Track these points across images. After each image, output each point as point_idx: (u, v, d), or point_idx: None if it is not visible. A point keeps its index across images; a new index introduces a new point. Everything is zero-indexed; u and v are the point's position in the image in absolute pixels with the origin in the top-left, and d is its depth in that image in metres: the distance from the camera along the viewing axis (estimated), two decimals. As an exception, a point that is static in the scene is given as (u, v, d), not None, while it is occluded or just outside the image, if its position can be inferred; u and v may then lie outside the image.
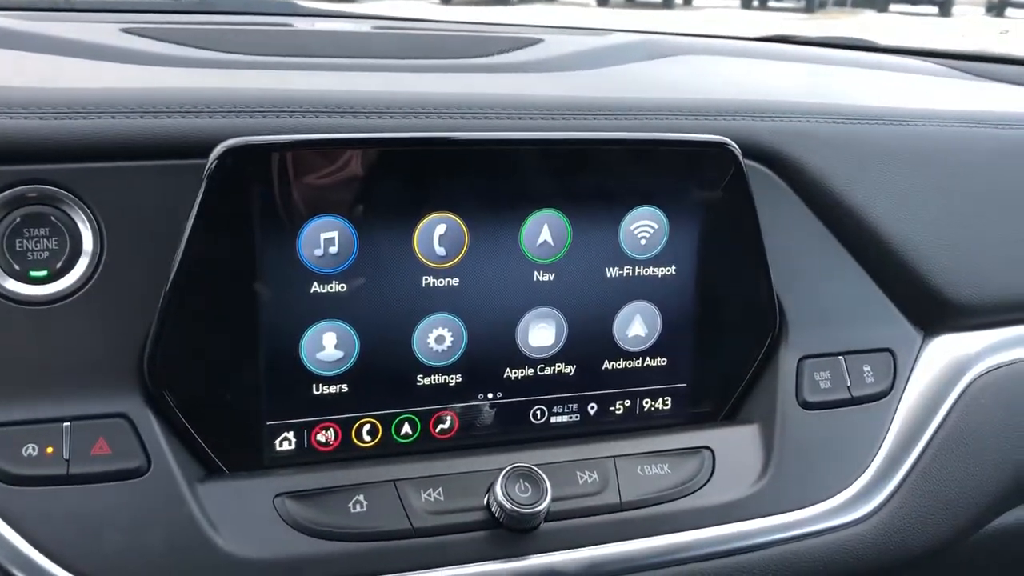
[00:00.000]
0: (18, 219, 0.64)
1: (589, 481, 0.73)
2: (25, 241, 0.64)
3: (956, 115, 0.91)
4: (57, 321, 0.64)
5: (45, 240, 0.64)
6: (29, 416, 0.62)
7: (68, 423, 0.63)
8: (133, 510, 0.62)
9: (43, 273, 0.64)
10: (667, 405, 0.80)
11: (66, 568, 0.60)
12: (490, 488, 0.69)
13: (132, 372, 0.65)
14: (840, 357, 0.82)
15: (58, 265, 0.64)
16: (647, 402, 0.79)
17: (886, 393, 0.82)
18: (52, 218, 0.64)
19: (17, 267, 0.63)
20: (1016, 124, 0.93)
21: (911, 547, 0.79)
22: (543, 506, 0.67)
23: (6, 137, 0.63)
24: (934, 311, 0.86)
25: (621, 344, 0.77)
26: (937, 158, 0.87)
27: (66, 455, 0.62)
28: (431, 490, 0.69)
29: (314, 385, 0.69)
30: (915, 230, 0.85)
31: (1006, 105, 1.04)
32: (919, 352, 0.86)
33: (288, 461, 0.70)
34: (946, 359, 0.86)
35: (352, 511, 0.67)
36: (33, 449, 0.61)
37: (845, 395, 0.81)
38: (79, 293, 0.64)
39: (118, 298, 0.65)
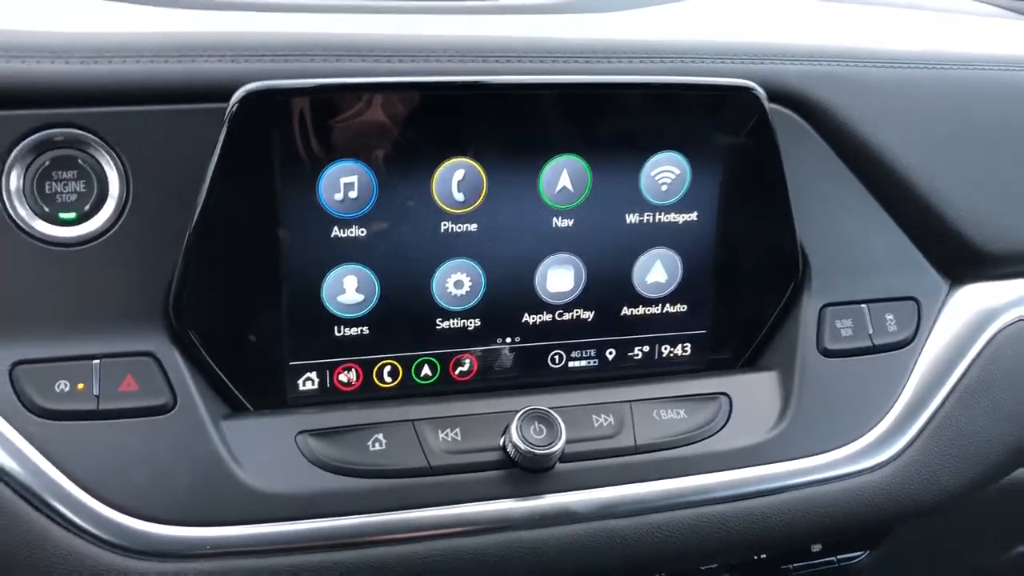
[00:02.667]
0: (47, 162, 0.65)
1: (605, 424, 0.74)
2: (54, 184, 0.66)
3: (992, 59, 0.88)
4: (85, 262, 0.66)
5: (73, 183, 0.66)
6: (60, 354, 0.65)
7: (97, 361, 0.65)
8: (160, 445, 0.65)
9: (71, 215, 0.66)
10: (686, 352, 0.80)
11: (97, 498, 0.63)
12: (506, 429, 0.70)
13: (158, 312, 0.67)
14: (863, 305, 0.82)
15: (86, 207, 0.66)
16: (666, 348, 0.80)
17: (909, 341, 0.82)
18: (80, 161, 0.66)
19: (47, 209, 0.65)
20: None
21: (928, 495, 0.80)
22: (557, 447, 0.69)
23: (35, 81, 0.64)
24: (962, 260, 0.85)
25: (640, 290, 0.77)
26: (970, 103, 0.85)
27: (96, 391, 0.64)
28: (449, 430, 0.71)
29: (336, 327, 0.71)
30: (945, 177, 0.83)
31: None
32: (945, 301, 0.85)
33: (310, 400, 0.72)
34: (972, 309, 0.85)
35: (371, 449, 0.69)
36: (65, 385, 0.64)
37: (867, 343, 0.81)
38: (106, 235, 0.66)
39: (144, 240, 0.67)
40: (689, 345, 0.80)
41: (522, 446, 0.69)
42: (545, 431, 0.70)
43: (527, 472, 0.70)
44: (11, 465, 0.62)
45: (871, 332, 0.81)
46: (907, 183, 0.82)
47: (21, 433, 0.63)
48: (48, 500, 0.62)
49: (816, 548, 0.89)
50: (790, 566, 0.90)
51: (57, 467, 0.63)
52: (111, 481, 0.63)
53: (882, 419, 0.79)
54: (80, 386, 0.64)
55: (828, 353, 0.80)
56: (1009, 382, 0.84)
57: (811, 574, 0.94)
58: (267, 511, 0.65)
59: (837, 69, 0.81)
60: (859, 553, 0.91)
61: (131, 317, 0.67)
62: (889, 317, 0.82)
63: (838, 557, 0.90)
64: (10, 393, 0.63)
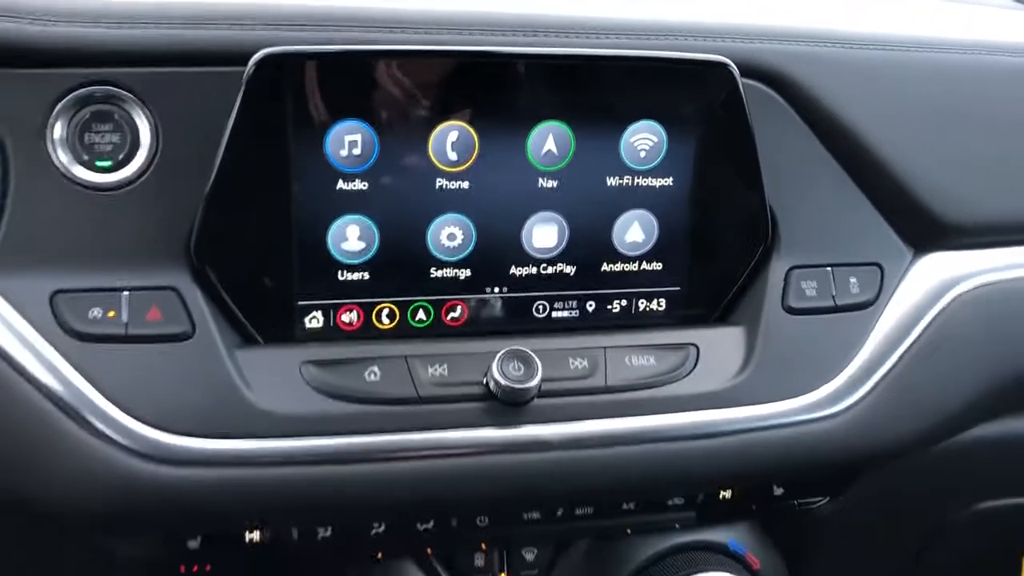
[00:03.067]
0: (87, 115, 0.74)
1: (579, 367, 0.82)
2: (93, 135, 0.74)
3: (966, 43, 0.93)
4: (119, 205, 0.75)
5: (109, 135, 0.74)
6: (94, 285, 0.73)
7: (126, 292, 0.74)
8: (179, 368, 0.73)
9: (107, 163, 0.74)
10: (661, 306, 0.87)
11: (124, 411, 0.71)
12: (488, 366, 0.78)
13: (181, 251, 0.76)
14: (828, 268, 0.88)
15: (120, 157, 0.74)
16: (642, 303, 0.87)
17: (870, 303, 0.88)
18: (115, 115, 0.74)
19: (86, 157, 0.74)
20: (1014, 52, 0.95)
21: (880, 445, 0.86)
22: (533, 383, 0.76)
23: (79, 43, 0.73)
24: (925, 230, 0.91)
25: (619, 248, 0.84)
26: (937, 83, 0.91)
27: (124, 319, 0.73)
28: (437, 366, 0.79)
29: (339, 272, 0.79)
30: (911, 153, 0.89)
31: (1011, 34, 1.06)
32: (908, 268, 0.91)
33: (316, 337, 0.81)
34: (933, 275, 0.91)
35: (367, 379, 0.77)
36: (98, 312, 0.73)
37: (829, 303, 0.87)
38: (138, 182, 0.75)
39: (171, 187, 0.75)
40: (664, 300, 0.87)
41: (502, 381, 0.76)
42: (523, 369, 0.77)
43: (506, 405, 0.78)
44: (51, 381, 0.70)
45: (834, 293, 0.87)
46: (876, 158, 0.88)
47: (60, 353, 0.71)
48: (82, 412, 0.71)
49: (778, 491, 0.96)
50: (753, 507, 0.97)
51: (90, 383, 0.71)
52: (136, 397, 0.72)
53: (840, 372, 0.85)
54: (111, 314, 0.73)
55: (792, 311, 0.86)
56: (963, 343, 0.90)
57: (775, 518, 1.02)
58: (272, 429, 0.73)
59: (814, 49, 0.88)
60: (820, 499, 0.98)
61: (157, 255, 0.75)
62: (852, 280, 0.88)
63: (799, 501, 0.97)
64: (50, 318, 0.72)
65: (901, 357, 0.87)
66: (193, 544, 0.82)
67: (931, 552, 1.09)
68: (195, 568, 0.83)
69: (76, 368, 0.71)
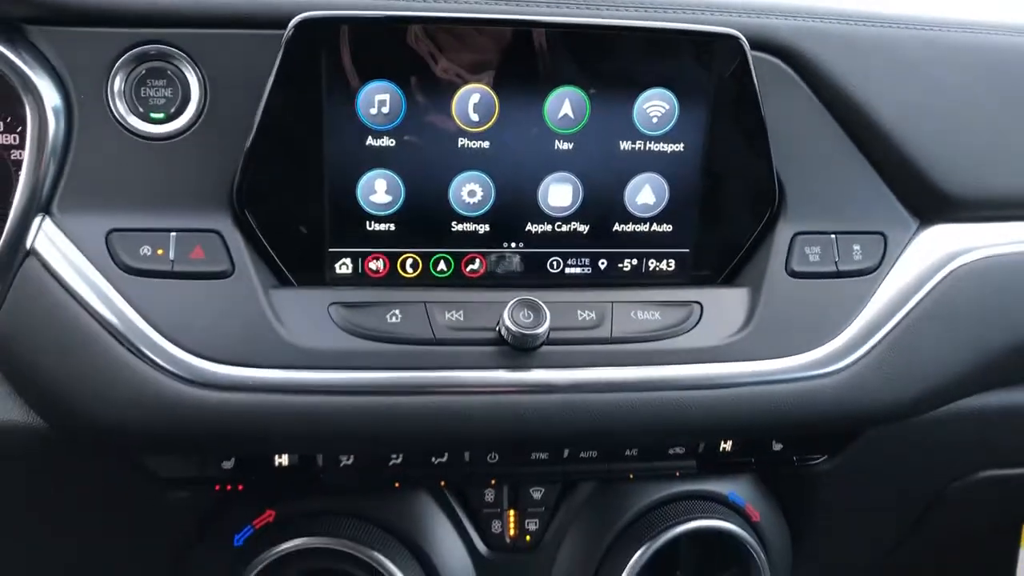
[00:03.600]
0: (143, 71, 0.81)
1: (587, 318, 0.87)
2: (147, 89, 0.82)
3: (962, 22, 0.96)
4: (169, 154, 0.82)
5: (163, 89, 0.82)
6: (145, 226, 0.81)
7: (174, 233, 0.81)
8: (219, 303, 0.81)
9: (160, 115, 0.82)
10: (670, 267, 0.92)
11: (169, 340, 0.79)
12: (501, 313, 0.83)
13: (225, 198, 0.83)
14: (832, 235, 0.92)
15: (172, 110, 0.82)
16: (652, 262, 0.92)
17: (872, 270, 0.92)
18: (168, 72, 0.81)
19: (141, 109, 0.81)
20: (1018, 32, 0.98)
21: (874, 406, 0.90)
22: (541, 330, 0.82)
23: (138, 6, 0.80)
24: (931, 202, 0.95)
25: (631, 209, 0.89)
26: (944, 60, 0.94)
27: (171, 256, 0.80)
28: (454, 312, 0.85)
29: (367, 222, 0.86)
30: (918, 126, 0.93)
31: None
32: (912, 238, 0.95)
33: (344, 282, 0.87)
34: (936, 247, 0.94)
35: (388, 321, 0.84)
36: (148, 250, 0.80)
37: (832, 268, 0.91)
38: (187, 133, 0.82)
39: (217, 138, 0.82)
40: (673, 261, 0.92)
41: (512, 327, 0.82)
42: (532, 316, 0.83)
43: (515, 350, 0.84)
44: (104, 310, 0.78)
45: (837, 259, 0.91)
46: (883, 131, 0.92)
47: (113, 286, 0.79)
48: (131, 339, 0.78)
49: (777, 447, 1.01)
50: (752, 460, 1.02)
51: (139, 314, 0.79)
52: (180, 327, 0.79)
53: (839, 334, 0.90)
54: (159, 252, 0.81)
55: (795, 274, 0.90)
56: (962, 313, 0.93)
57: (774, 474, 1.06)
58: (300, 361, 0.80)
59: (824, 25, 0.91)
60: (818, 457, 1.02)
61: (202, 201, 0.83)
62: (856, 247, 0.92)
63: (797, 458, 1.01)
64: (105, 254, 0.80)
65: (900, 322, 0.91)
66: (227, 465, 0.90)
67: (930, 518, 1.12)
68: (228, 487, 0.91)
69: (126, 299, 0.79)
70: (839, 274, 0.92)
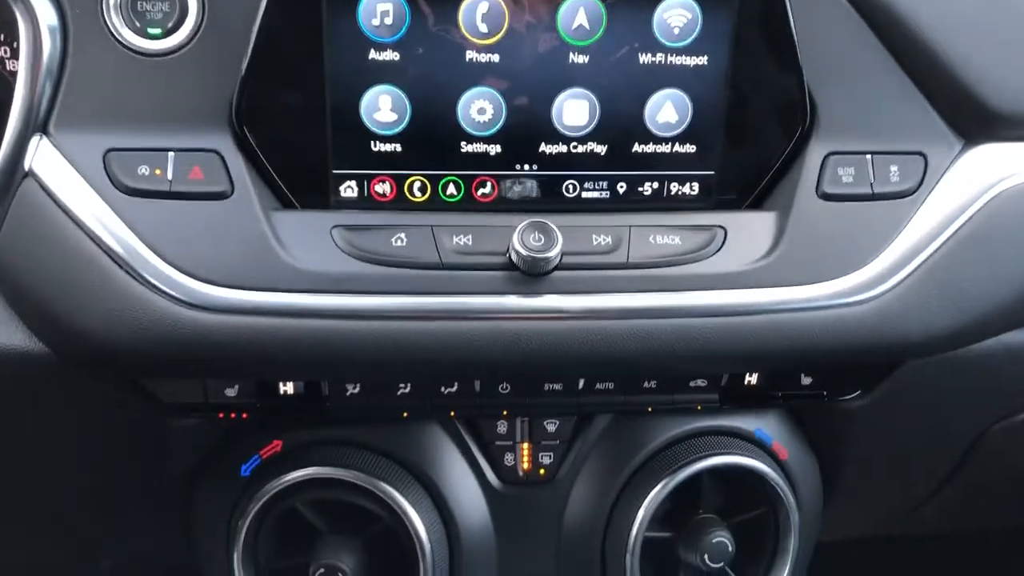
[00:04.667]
0: (139, -16, 0.78)
1: (603, 243, 0.83)
2: (144, 3, 0.79)
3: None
4: (167, 71, 0.79)
5: (159, 3, 0.79)
6: (143, 145, 0.79)
7: (172, 153, 0.79)
8: (218, 224, 0.78)
9: (157, 31, 0.79)
10: (693, 191, 0.88)
11: (166, 261, 0.77)
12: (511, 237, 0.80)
13: (224, 117, 0.80)
14: (868, 156, 0.86)
15: (169, 25, 0.79)
16: (674, 186, 0.87)
17: (910, 193, 0.86)
18: (165, -15, 0.78)
19: (137, 24, 0.78)
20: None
21: (912, 336, 0.85)
22: (552, 253, 0.79)
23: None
24: (976, 120, 0.88)
25: (651, 128, 0.85)
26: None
27: (169, 176, 0.78)
28: (462, 236, 0.82)
29: (372, 142, 0.82)
30: (963, 38, 0.86)
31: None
32: (955, 159, 0.88)
33: (349, 206, 0.84)
34: (980, 168, 0.88)
35: (393, 244, 0.81)
36: (146, 170, 0.78)
37: (866, 190, 0.86)
38: (184, 49, 0.79)
39: (215, 54, 0.79)
40: (696, 184, 0.87)
41: (522, 251, 0.79)
42: (543, 239, 0.79)
43: (525, 275, 0.80)
44: (100, 230, 0.76)
45: (872, 181, 0.86)
46: (926, 43, 0.86)
47: (110, 206, 0.77)
48: (127, 259, 0.76)
49: (806, 381, 0.96)
50: (779, 395, 0.97)
51: (135, 234, 0.77)
52: (177, 249, 0.77)
53: (873, 260, 0.84)
54: (157, 172, 0.78)
55: (826, 197, 0.85)
56: (1005, 239, 0.87)
57: (803, 411, 1.02)
58: (300, 284, 0.78)
59: (859, -73, 0.85)
60: (851, 393, 0.97)
61: (202, 119, 0.80)
62: (893, 169, 0.86)
63: (828, 393, 0.97)
64: (102, 173, 0.78)
65: (939, 248, 0.85)
66: (231, 392, 0.88)
67: (971, 462, 1.07)
68: (232, 415, 0.90)
69: (124, 220, 0.77)
70: (874, 197, 0.86)
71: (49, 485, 0.98)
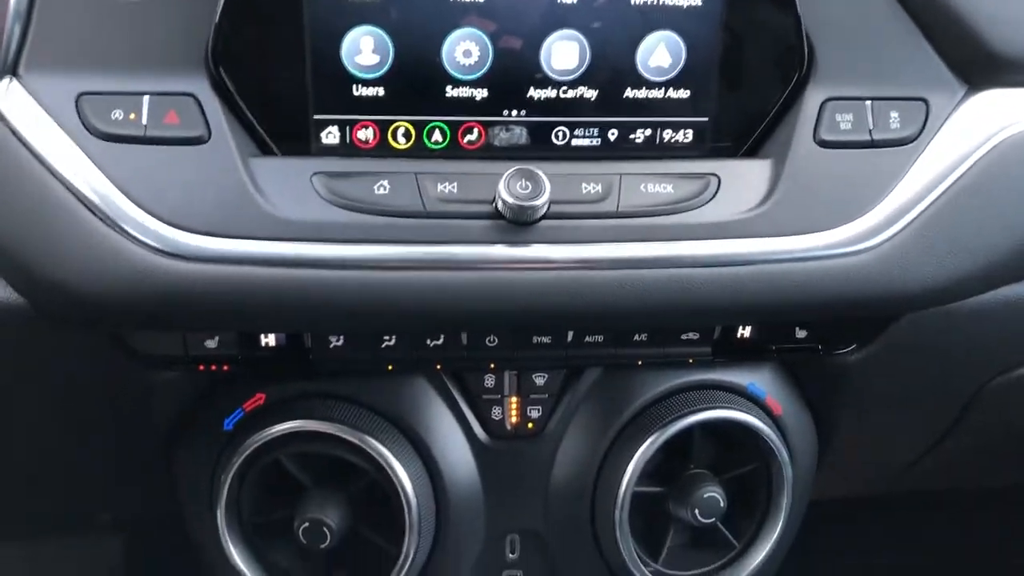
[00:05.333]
0: (111, -80, 0.75)
1: (592, 191, 0.81)
2: (114, -61, 0.76)
3: None
4: (141, 11, 0.77)
5: (131, -63, 0.76)
6: (117, 89, 0.76)
7: (147, 96, 0.76)
8: (195, 171, 0.76)
9: (130, -31, 0.76)
10: (687, 138, 0.85)
11: (141, 208, 0.74)
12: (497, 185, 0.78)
13: (199, 60, 0.77)
14: (867, 102, 0.83)
15: None
16: (667, 133, 0.85)
17: (911, 140, 0.84)
18: (137, -80, 0.75)
19: (108, -38, 0.76)
20: None
21: (910, 287, 0.83)
22: (539, 202, 0.76)
23: None
24: (979, 64, 0.85)
25: (644, 73, 0.82)
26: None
27: (144, 121, 0.75)
28: (447, 184, 0.79)
29: (354, 86, 0.80)
30: (969, -24, 0.82)
31: None
32: (958, 105, 0.85)
33: (331, 152, 0.82)
34: (984, 114, 0.85)
35: (376, 192, 0.79)
36: (119, 114, 0.75)
37: (865, 137, 0.83)
38: (158, -11, 0.76)
39: (190, -4, 0.77)
40: (690, 132, 0.85)
41: (508, 199, 0.76)
42: (531, 187, 0.77)
43: (512, 224, 0.78)
44: (74, 176, 0.74)
45: (872, 128, 0.83)
46: None
47: (83, 151, 0.75)
48: (101, 207, 0.74)
49: (801, 334, 0.94)
50: (773, 349, 0.96)
51: (110, 180, 0.74)
52: (152, 195, 0.75)
53: (871, 210, 0.82)
54: (132, 116, 0.76)
55: (824, 144, 0.83)
56: (1008, 188, 0.84)
57: (798, 365, 1.01)
58: (279, 232, 0.75)
59: None
60: (847, 347, 0.95)
61: (177, 62, 0.77)
62: (894, 115, 0.83)
63: (823, 347, 0.95)
64: (75, 118, 0.75)
65: (939, 197, 0.83)
66: (211, 344, 0.86)
67: (968, 418, 1.05)
68: (213, 367, 0.88)
69: (97, 166, 0.75)
70: (873, 144, 0.83)
71: (33, 438, 0.97)
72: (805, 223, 0.82)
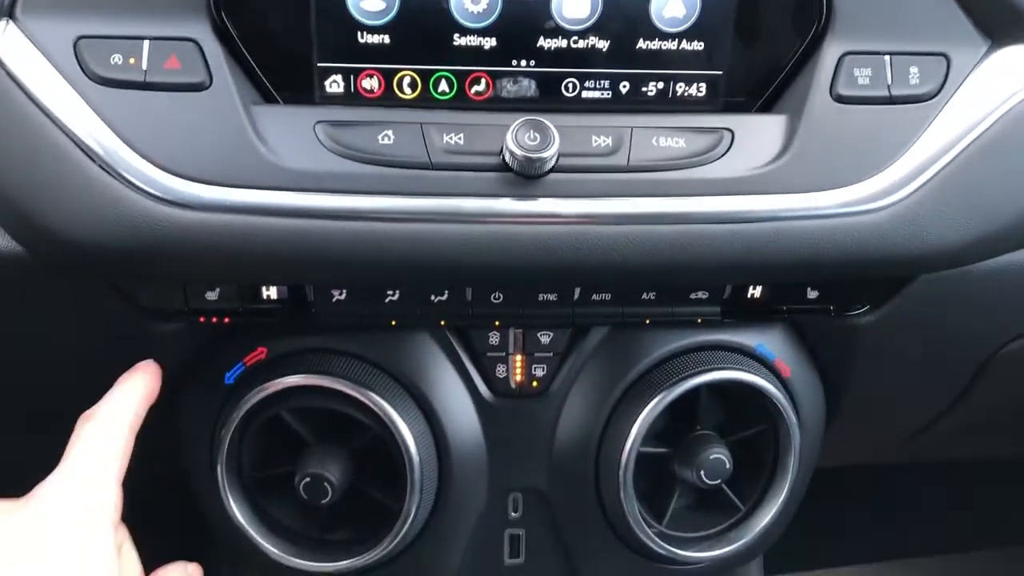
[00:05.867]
0: None
1: (602, 144, 0.79)
2: None
3: None
4: None
5: None
6: (116, 32, 0.74)
7: (147, 41, 0.74)
8: (195, 117, 0.75)
9: (134, -91, 0.74)
10: (701, 92, 0.83)
11: (140, 155, 0.73)
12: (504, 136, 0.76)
13: (202, 5, 0.76)
14: (886, 56, 0.81)
15: None
16: (680, 86, 0.83)
17: (931, 96, 0.81)
18: None
19: (108, -95, 0.74)
20: None
21: (926, 246, 0.81)
22: (547, 154, 0.75)
23: None
24: (1006, 18, 0.82)
25: (657, 23, 0.80)
26: None
27: (144, 66, 0.74)
28: (453, 135, 0.78)
29: (359, 33, 0.78)
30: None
31: None
32: (980, 61, 0.83)
33: (335, 101, 0.80)
34: (1006, 71, 0.82)
35: (380, 142, 0.77)
36: (119, 59, 0.74)
37: (884, 93, 0.81)
38: (158, -72, 0.74)
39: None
40: (704, 85, 0.83)
41: (516, 151, 0.75)
42: (539, 138, 0.75)
43: (520, 176, 0.77)
44: (71, 121, 0.73)
45: (890, 83, 0.81)
46: None
47: (81, 96, 0.73)
48: (102, 154, 0.73)
49: (812, 295, 0.93)
50: (783, 309, 0.94)
51: (108, 126, 0.73)
52: (151, 142, 0.74)
53: (888, 167, 0.80)
54: (131, 61, 0.74)
55: (841, 99, 0.80)
56: (1030, 146, 0.82)
57: (808, 326, 0.99)
58: (281, 182, 0.74)
59: None
60: (860, 308, 0.93)
61: (178, 6, 0.75)
62: (913, 70, 0.81)
63: (835, 308, 0.93)
64: (73, 62, 0.74)
65: (959, 155, 0.81)
66: (211, 296, 0.85)
67: (980, 384, 1.04)
68: (214, 320, 0.87)
69: (96, 111, 0.73)
70: (892, 100, 0.81)
71: (32, 391, 0.96)
72: (820, 180, 0.80)
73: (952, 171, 0.81)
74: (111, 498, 0.75)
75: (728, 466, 0.95)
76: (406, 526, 0.93)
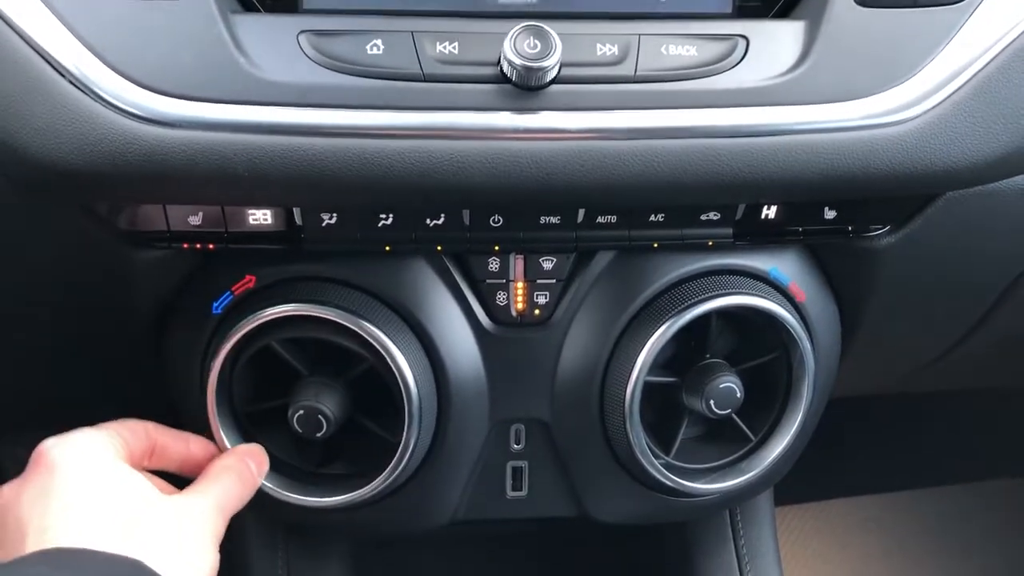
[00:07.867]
0: None
1: (608, 53, 0.75)
2: None
3: None
4: None
5: None
6: None
7: None
8: (170, 27, 0.71)
9: None
10: (714, -3, 0.78)
11: (110, 67, 0.69)
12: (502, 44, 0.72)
13: None
14: (914, -46, 0.76)
15: None
16: (694, -13, 0.78)
17: None
18: None
19: None
20: None
21: (954, 160, 0.77)
22: (548, 63, 0.70)
23: None
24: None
25: (667, -79, 0.75)
26: None
27: None
28: (447, 43, 0.74)
29: (344, -67, 0.73)
30: None
31: None
32: None
33: (320, 10, 0.76)
34: (1044, -30, 0.78)
35: (368, 52, 0.73)
36: None
37: (910, -4, 0.76)
38: None
39: None
40: (718, -10, 0.78)
41: (515, 60, 0.70)
42: (539, 46, 0.71)
43: (519, 88, 0.73)
44: (36, 33, 0.69)
45: None
46: None
47: (46, 6, 0.69)
48: (71, 69, 0.69)
49: (830, 215, 0.88)
50: (799, 230, 0.90)
51: (76, 37, 0.69)
52: (125, 55, 0.70)
53: (914, 76, 0.76)
54: None
55: (864, 3, 0.76)
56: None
57: (825, 248, 0.96)
58: (262, 96, 0.71)
59: None
60: (879, 228, 0.89)
61: None
62: (943, -30, 0.76)
63: (853, 228, 0.89)
64: (36, -34, 0.70)
65: (989, 63, 0.77)
66: (195, 220, 0.81)
67: (1000, 309, 1.01)
68: (198, 245, 0.83)
69: (62, 20, 0.70)
70: (918, 3, 0.77)
71: (15, 326, 0.93)
72: (841, 90, 0.76)
73: (982, 80, 0.77)
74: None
75: (739, 395, 0.92)
76: (404, 459, 0.90)
